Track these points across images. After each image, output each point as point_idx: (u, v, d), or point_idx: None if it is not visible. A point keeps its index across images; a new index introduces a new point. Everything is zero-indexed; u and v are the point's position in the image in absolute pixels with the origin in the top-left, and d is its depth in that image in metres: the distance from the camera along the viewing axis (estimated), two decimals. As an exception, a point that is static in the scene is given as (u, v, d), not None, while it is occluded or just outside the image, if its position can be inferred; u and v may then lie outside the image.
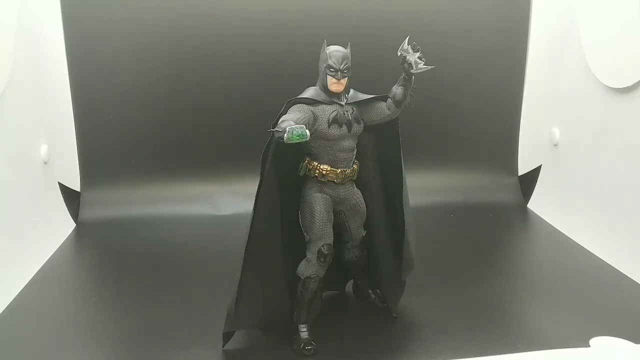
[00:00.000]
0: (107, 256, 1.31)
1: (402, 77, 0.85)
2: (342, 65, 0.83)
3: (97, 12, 1.48)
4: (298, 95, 0.86)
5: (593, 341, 0.87)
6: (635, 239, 1.18)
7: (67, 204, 1.48)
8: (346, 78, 0.85)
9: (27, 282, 1.13)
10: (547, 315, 1.00)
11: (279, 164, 0.83)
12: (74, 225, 1.47)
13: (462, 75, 1.63)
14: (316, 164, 0.87)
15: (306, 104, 0.84)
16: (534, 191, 1.63)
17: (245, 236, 0.82)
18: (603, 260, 1.23)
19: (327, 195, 0.89)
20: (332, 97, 0.86)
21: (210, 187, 1.59)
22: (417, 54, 0.83)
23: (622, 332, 0.89)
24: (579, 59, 1.42)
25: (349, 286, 1.07)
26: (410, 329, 0.96)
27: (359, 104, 0.88)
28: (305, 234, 0.89)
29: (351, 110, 0.87)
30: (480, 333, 0.93)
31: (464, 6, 1.60)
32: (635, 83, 1.19)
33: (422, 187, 1.57)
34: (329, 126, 0.84)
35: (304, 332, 0.89)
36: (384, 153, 0.94)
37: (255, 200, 0.81)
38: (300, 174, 0.89)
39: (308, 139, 0.75)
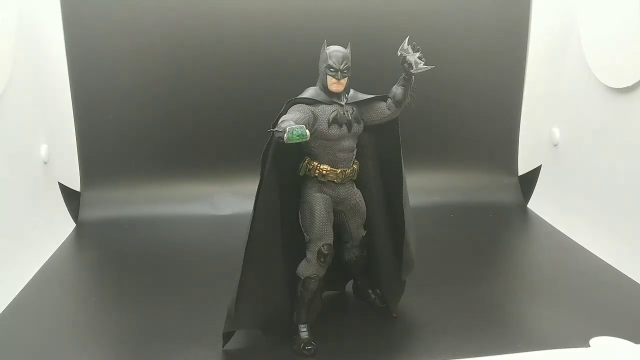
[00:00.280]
0: (107, 256, 1.31)
1: (402, 77, 0.85)
2: (342, 65, 0.83)
3: (97, 12, 1.48)
4: (298, 95, 0.86)
5: (593, 341, 0.87)
6: (635, 239, 1.18)
7: (67, 204, 1.48)
8: (346, 78, 0.85)
9: (27, 282, 1.13)
10: (547, 315, 1.00)
11: (279, 164, 0.83)
12: (74, 225, 1.47)
13: (462, 75, 1.63)
14: (316, 164, 0.87)
15: (306, 104, 0.84)
16: (534, 191, 1.63)
17: (245, 236, 0.82)
18: (603, 260, 1.23)
19: (327, 195, 0.89)
20: (332, 97, 0.86)
21: (210, 187, 1.59)
22: (417, 54, 0.83)
23: (622, 332, 0.89)
24: (579, 59, 1.42)
25: (349, 286, 1.07)
26: (410, 329, 0.96)
27: (359, 104, 0.88)
28: (305, 234, 0.89)
29: (351, 110, 0.87)
30: (480, 333, 0.93)
31: (464, 6, 1.60)
32: (635, 83, 1.19)
33: (422, 187, 1.57)
34: (329, 126, 0.84)
35: (304, 332, 0.89)
36: (384, 153, 0.94)
37: (255, 200, 0.81)
38: (300, 174, 0.89)
39: (308, 139, 0.74)
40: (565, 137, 1.52)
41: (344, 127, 0.85)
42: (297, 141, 0.73)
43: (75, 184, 1.54)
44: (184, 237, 1.41)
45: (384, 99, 0.88)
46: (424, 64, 0.82)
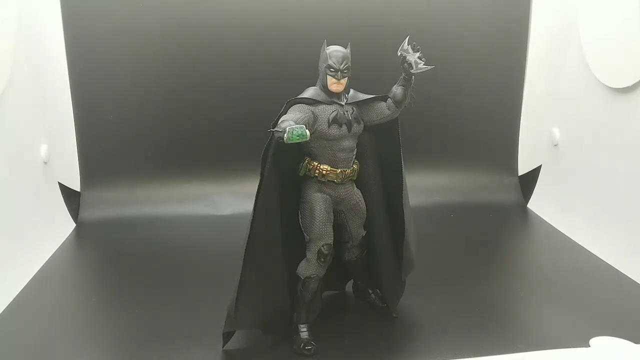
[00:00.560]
0: (107, 256, 1.31)
1: (402, 77, 0.85)
2: (342, 65, 0.83)
3: (97, 12, 1.48)
4: (298, 95, 0.86)
5: (593, 341, 0.87)
6: (635, 239, 1.18)
7: (67, 204, 1.48)
8: (346, 78, 0.85)
9: (27, 282, 1.13)
10: (547, 315, 1.00)
11: (279, 164, 0.83)
12: (74, 225, 1.47)
13: (462, 75, 1.63)
14: (316, 164, 0.87)
15: (306, 104, 0.84)
16: (534, 191, 1.63)
17: (245, 236, 0.82)
18: (603, 260, 1.23)
19: (327, 195, 0.89)
20: (332, 97, 0.86)
21: (210, 187, 1.59)
22: (417, 54, 0.83)
23: (622, 332, 0.89)
24: (579, 59, 1.42)
25: (349, 286, 1.07)
26: (410, 329, 0.96)
27: (359, 104, 0.88)
28: (305, 234, 0.89)
29: (351, 110, 0.87)
30: (480, 333, 0.93)
31: (464, 6, 1.60)
32: (635, 83, 1.19)
33: (422, 187, 1.57)
34: (329, 126, 0.84)
35: (304, 332, 0.89)
36: (384, 153, 0.94)
37: (255, 200, 0.81)
38: (300, 174, 0.89)
39: (308, 139, 0.75)
40: (565, 137, 1.52)
41: (344, 127, 0.85)
42: (297, 141, 0.73)
43: (75, 184, 1.54)
44: (184, 237, 1.41)
45: (384, 99, 0.88)
46: (424, 64, 0.82)
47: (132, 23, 1.50)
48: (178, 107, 1.56)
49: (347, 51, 0.85)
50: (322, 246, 0.87)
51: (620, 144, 1.25)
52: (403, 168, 0.90)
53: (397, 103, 0.87)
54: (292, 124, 0.75)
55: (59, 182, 1.48)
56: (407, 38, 0.84)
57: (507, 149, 1.70)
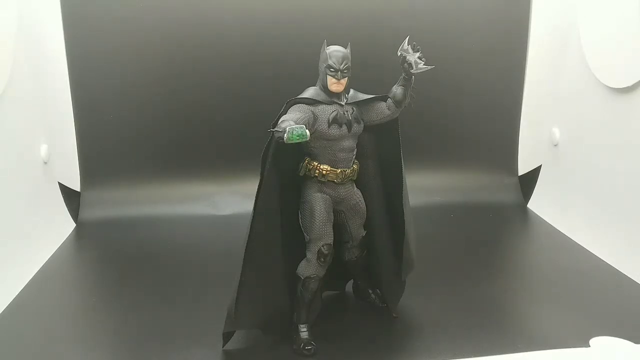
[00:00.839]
0: (107, 256, 1.31)
1: (402, 77, 0.85)
2: (342, 65, 0.83)
3: (97, 12, 1.48)
4: (298, 95, 0.86)
5: (593, 341, 0.87)
6: (635, 239, 1.18)
7: (67, 204, 1.48)
8: (346, 78, 0.85)
9: (27, 282, 1.13)
10: (547, 315, 1.00)
11: (279, 164, 0.83)
12: (74, 225, 1.47)
13: (462, 75, 1.63)
14: (316, 164, 0.87)
15: (306, 104, 0.84)
16: (534, 191, 1.63)
17: (245, 236, 0.82)
18: (603, 260, 1.23)
19: (327, 195, 0.89)
20: (332, 97, 0.86)
21: (210, 187, 1.59)
22: (417, 54, 0.83)
23: (622, 332, 0.90)
24: (579, 59, 1.42)
25: (349, 286, 1.07)
26: (410, 329, 0.96)
27: (359, 104, 0.88)
28: (305, 234, 0.89)
29: (351, 110, 0.87)
30: (480, 333, 0.93)
31: (464, 6, 1.60)
32: (635, 83, 1.19)
33: (422, 187, 1.57)
34: (329, 126, 0.84)
35: (304, 332, 0.89)
36: (384, 153, 0.94)
37: (255, 200, 0.81)
38: (300, 174, 0.89)
39: (308, 139, 0.75)
40: (565, 137, 1.52)
41: (344, 127, 0.85)
42: (297, 141, 0.73)
43: (75, 184, 1.54)
44: (184, 237, 1.41)
45: (384, 99, 0.88)
46: (424, 64, 0.82)
47: (132, 23, 1.50)
48: (178, 107, 1.56)
49: (347, 51, 0.85)
50: (322, 246, 0.87)
51: (620, 144, 1.25)
52: (403, 168, 0.90)
53: (397, 103, 0.87)
54: (292, 124, 0.75)
55: (59, 182, 1.48)
56: (407, 38, 0.84)
57: (507, 149, 1.70)
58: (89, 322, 1.01)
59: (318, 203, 0.88)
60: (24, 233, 1.21)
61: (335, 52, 0.84)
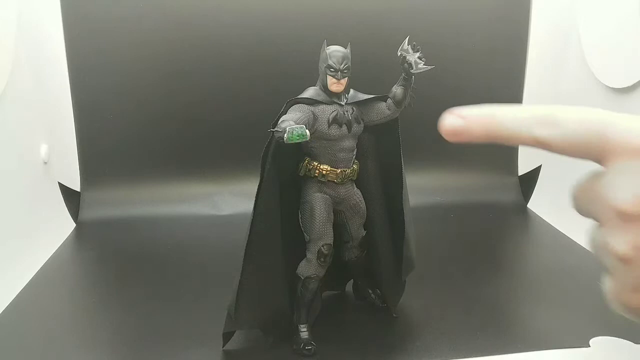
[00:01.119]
0: (107, 256, 1.31)
1: (402, 77, 0.85)
2: (342, 65, 0.83)
3: (97, 12, 1.49)
4: (298, 95, 0.85)
5: (593, 341, 0.87)
6: (635, 239, 1.17)
7: (67, 204, 1.48)
8: (346, 78, 0.85)
9: (27, 282, 1.13)
10: (547, 315, 1.00)
11: (279, 164, 0.83)
12: (74, 225, 1.47)
13: (462, 75, 1.63)
14: (316, 164, 0.87)
15: (306, 104, 0.84)
16: (534, 191, 1.63)
17: (245, 236, 0.82)
18: (603, 260, 1.23)
19: (327, 195, 0.88)
20: (332, 97, 0.86)
21: (210, 187, 1.59)
22: (417, 54, 0.83)
23: (622, 332, 0.89)
24: (579, 59, 1.42)
25: (349, 286, 1.07)
26: (410, 329, 0.96)
27: (359, 104, 0.88)
28: (305, 234, 0.89)
29: (351, 110, 0.87)
30: (480, 333, 0.93)
31: (464, 6, 1.60)
32: (635, 83, 1.19)
33: (422, 187, 1.57)
34: (329, 126, 0.84)
35: (304, 332, 0.89)
36: (384, 153, 0.94)
37: (255, 200, 0.81)
38: (301, 174, 0.89)
39: (308, 139, 0.74)
40: (565, 137, 1.52)
41: (344, 127, 0.85)
42: (297, 141, 0.73)
43: (75, 184, 1.54)
44: (184, 237, 1.41)
45: (384, 99, 0.88)
46: (423, 64, 0.82)
47: (132, 23, 1.50)
48: (178, 107, 1.56)
49: (347, 51, 0.85)
50: (322, 246, 0.87)
51: (620, 144, 1.25)
52: (403, 168, 0.90)
53: (397, 103, 0.86)
54: (292, 124, 0.75)
55: (59, 182, 1.48)
56: (407, 38, 0.84)
57: (507, 149, 1.70)
58: (88, 322, 1.01)
59: (318, 203, 0.88)
60: (24, 233, 1.21)
61: (335, 52, 0.84)
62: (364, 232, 0.95)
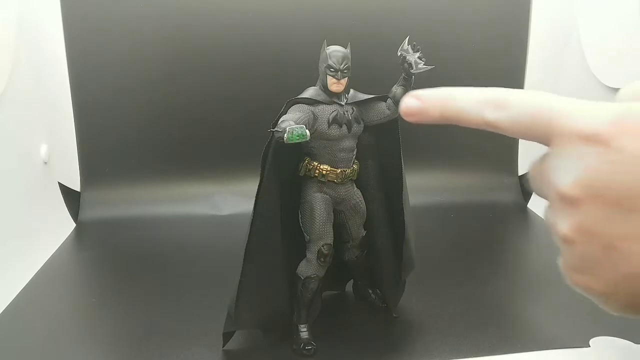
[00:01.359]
0: (107, 256, 1.31)
1: (402, 77, 0.85)
2: (342, 65, 0.83)
3: (97, 13, 1.49)
4: (298, 95, 0.85)
5: (593, 341, 0.87)
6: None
7: (67, 204, 1.48)
8: (346, 78, 0.85)
9: (27, 282, 1.13)
10: (547, 315, 1.00)
11: (279, 164, 0.83)
12: (74, 225, 1.47)
13: (462, 75, 1.63)
14: (316, 164, 0.87)
15: (306, 104, 0.84)
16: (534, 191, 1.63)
17: (245, 236, 0.82)
18: (603, 260, 1.23)
19: (327, 195, 0.88)
20: (332, 97, 0.86)
21: (210, 187, 1.59)
22: (417, 54, 0.83)
23: (622, 332, 0.89)
24: (579, 59, 1.42)
25: (349, 286, 1.07)
26: (410, 329, 0.96)
27: (359, 104, 0.88)
28: (305, 234, 0.89)
29: (351, 110, 0.87)
30: (480, 333, 0.93)
31: (464, 6, 1.60)
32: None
33: (422, 187, 1.57)
34: (329, 126, 0.84)
35: (304, 332, 0.89)
36: (384, 153, 0.94)
37: (255, 200, 0.81)
38: (301, 174, 0.89)
39: (308, 139, 0.74)
40: (565, 137, 1.52)
41: (344, 127, 0.85)
42: (297, 141, 0.73)
43: (75, 184, 1.54)
44: (184, 237, 1.41)
45: (384, 99, 0.88)
46: (423, 64, 0.82)
47: (132, 23, 1.50)
48: (178, 107, 1.56)
49: (347, 51, 0.85)
50: (322, 246, 0.87)
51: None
52: (403, 168, 0.90)
53: (397, 103, 0.86)
54: (292, 124, 0.75)
55: (59, 182, 1.48)
56: (407, 38, 0.84)
57: (507, 149, 1.70)
58: (89, 322, 1.01)
59: (318, 203, 0.88)
60: (24, 233, 1.21)
61: (335, 52, 0.84)
62: (364, 232, 0.95)
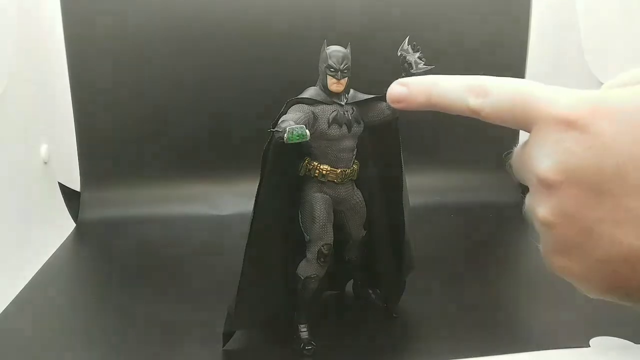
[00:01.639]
0: (107, 256, 1.31)
1: (402, 77, 0.85)
2: (342, 65, 0.83)
3: (97, 12, 1.49)
4: (298, 95, 0.85)
5: (593, 341, 0.87)
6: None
7: (67, 204, 1.48)
8: (346, 78, 0.85)
9: (27, 282, 1.13)
10: (547, 315, 1.00)
11: (279, 164, 0.83)
12: (74, 225, 1.47)
13: (462, 73, 1.63)
14: (316, 164, 0.87)
15: (306, 104, 0.84)
16: (534, 191, 1.63)
17: (245, 236, 0.82)
18: (603, 260, 1.23)
19: (327, 195, 0.88)
20: (332, 97, 0.86)
21: (210, 187, 1.59)
22: (417, 54, 0.83)
23: (622, 332, 0.89)
24: (579, 59, 1.42)
25: (349, 286, 1.07)
26: (410, 329, 0.96)
27: (359, 104, 0.88)
28: (305, 234, 0.89)
29: (351, 110, 0.87)
30: (480, 333, 0.93)
31: (464, 6, 1.60)
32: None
33: (422, 187, 1.57)
34: (329, 126, 0.84)
35: (304, 332, 0.89)
36: (384, 153, 0.94)
37: (255, 200, 0.81)
38: (301, 174, 0.89)
39: (308, 139, 0.75)
40: (565, 137, 1.52)
41: (344, 127, 0.85)
42: (297, 141, 0.73)
43: (75, 184, 1.54)
44: (184, 237, 1.41)
45: (384, 98, 0.87)
46: (424, 64, 0.82)
47: (132, 23, 1.50)
48: (178, 107, 1.56)
49: (347, 51, 0.85)
50: (322, 246, 0.87)
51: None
52: (403, 168, 0.90)
53: (397, 103, 0.86)
54: (292, 124, 0.75)
55: (59, 182, 1.48)
56: (407, 38, 0.84)
57: (507, 148, 1.69)
58: (88, 322, 1.01)
59: (318, 203, 0.88)
60: (24, 233, 1.21)
61: (335, 52, 0.84)
62: (364, 232, 0.95)
